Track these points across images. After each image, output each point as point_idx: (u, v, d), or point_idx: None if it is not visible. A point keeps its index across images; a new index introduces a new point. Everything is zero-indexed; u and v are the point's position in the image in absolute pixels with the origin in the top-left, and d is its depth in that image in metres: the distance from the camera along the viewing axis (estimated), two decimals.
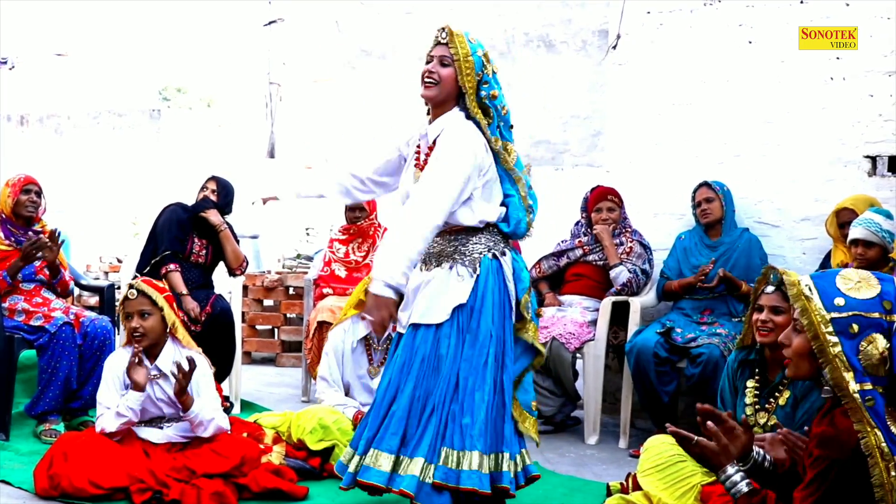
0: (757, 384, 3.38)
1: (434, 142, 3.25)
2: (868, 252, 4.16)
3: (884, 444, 2.05)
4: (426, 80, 3.22)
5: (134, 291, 3.84)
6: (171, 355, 3.84)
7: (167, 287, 4.21)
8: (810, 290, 2.17)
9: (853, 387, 2.09)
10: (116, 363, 3.85)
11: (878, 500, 2.06)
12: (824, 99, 5.03)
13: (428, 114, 3.35)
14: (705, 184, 5.08)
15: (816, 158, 5.07)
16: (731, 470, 2.38)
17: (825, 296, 2.15)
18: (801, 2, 5.07)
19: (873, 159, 4.96)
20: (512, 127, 3.37)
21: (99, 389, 3.89)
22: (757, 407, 3.30)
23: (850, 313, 2.12)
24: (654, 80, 5.53)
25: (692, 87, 5.40)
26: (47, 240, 4.66)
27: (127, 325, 3.83)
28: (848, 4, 4.94)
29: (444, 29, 3.21)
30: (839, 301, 2.13)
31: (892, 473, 2.04)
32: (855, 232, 4.23)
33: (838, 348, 2.10)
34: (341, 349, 4.41)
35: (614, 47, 5.61)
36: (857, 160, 4.98)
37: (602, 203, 5.29)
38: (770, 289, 3.34)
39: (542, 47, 5.93)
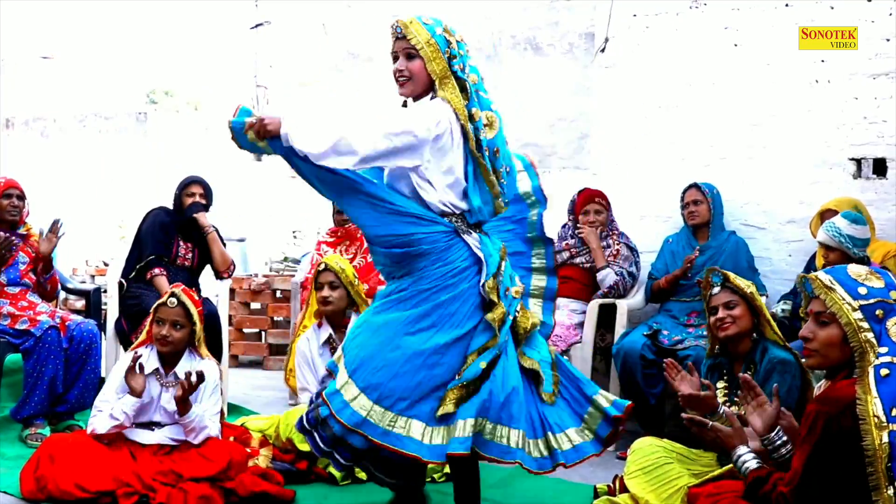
0: (726, 383, 3.43)
1: None
2: (829, 255, 4.22)
3: (881, 413, 2.18)
4: (399, 78, 3.17)
5: (174, 301, 3.83)
6: (187, 366, 3.85)
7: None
8: (832, 282, 2.36)
9: (872, 361, 2.26)
10: (123, 366, 3.84)
11: (868, 464, 2.17)
12: (809, 102, 5.06)
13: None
14: (695, 185, 5.10)
15: (802, 161, 5.09)
16: (742, 450, 2.57)
17: (847, 287, 2.34)
18: (787, 5, 5.10)
19: (858, 161, 4.99)
20: (487, 94, 3.22)
21: (103, 389, 3.91)
22: (728, 404, 3.34)
23: (875, 300, 2.32)
24: (640, 82, 5.55)
25: (678, 89, 5.42)
26: (14, 238, 4.63)
27: (155, 330, 3.82)
28: (833, 7, 4.97)
29: (395, 23, 3.14)
30: (862, 290, 2.33)
31: (885, 440, 2.16)
32: (818, 235, 4.32)
33: (870, 334, 2.28)
34: (309, 356, 4.43)
35: (602, 50, 5.62)
36: (843, 162, 5.01)
37: (589, 206, 5.30)
38: (716, 290, 3.42)
39: (528, 50, 5.94)
